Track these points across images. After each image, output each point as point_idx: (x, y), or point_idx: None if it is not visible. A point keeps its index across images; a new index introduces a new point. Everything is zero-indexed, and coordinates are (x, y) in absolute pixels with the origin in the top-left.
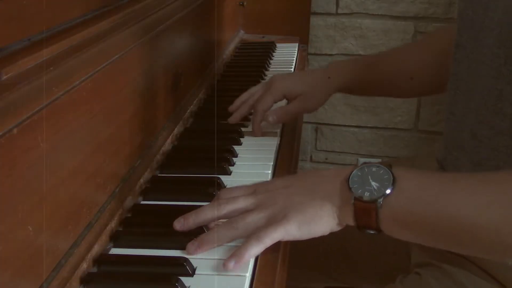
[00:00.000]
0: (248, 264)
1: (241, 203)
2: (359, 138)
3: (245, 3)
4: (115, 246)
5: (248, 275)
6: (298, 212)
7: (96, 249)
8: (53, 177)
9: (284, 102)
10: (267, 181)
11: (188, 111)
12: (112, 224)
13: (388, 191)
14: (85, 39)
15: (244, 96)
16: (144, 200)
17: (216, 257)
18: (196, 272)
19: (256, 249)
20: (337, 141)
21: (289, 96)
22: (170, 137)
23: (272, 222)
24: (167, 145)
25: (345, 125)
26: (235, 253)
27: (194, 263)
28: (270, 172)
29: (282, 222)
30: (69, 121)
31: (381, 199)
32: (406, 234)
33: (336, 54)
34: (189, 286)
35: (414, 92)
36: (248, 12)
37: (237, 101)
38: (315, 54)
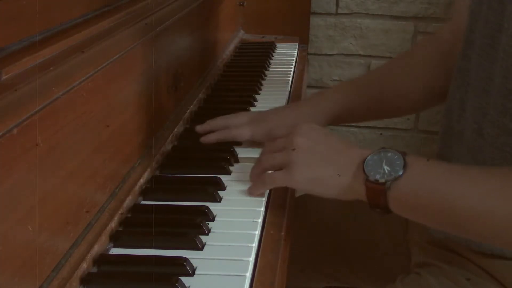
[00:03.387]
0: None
1: (278, 144)
2: (359, 138)
3: (245, 3)
4: (115, 246)
5: (248, 275)
6: (311, 169)
7: (96, 249)
8: (53, 177)
9: None
10: (308, 125)
11: (188, 111)
12: (112, 224)
13: (397, 175)
14: (85, 39)
15: (218, 122)
16: (144, 200)
17: (216, 257)
18: (196, 272)
19: (261, 188)
20: None
21: (270, 138)
22: (170, 137)
23: (285, 167)
24: (167, 145)
25: (345, 125)
26: (248, 189)
27: (194, 263)
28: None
29: (292, 171)
30: (69, 121)
31: (389, 182)
32: (412, 215)
33: (336, 54)
34: (189, 286)
35: (416, 107)
36: (248, 12)
37: (208, 125)
38: (315, 54)
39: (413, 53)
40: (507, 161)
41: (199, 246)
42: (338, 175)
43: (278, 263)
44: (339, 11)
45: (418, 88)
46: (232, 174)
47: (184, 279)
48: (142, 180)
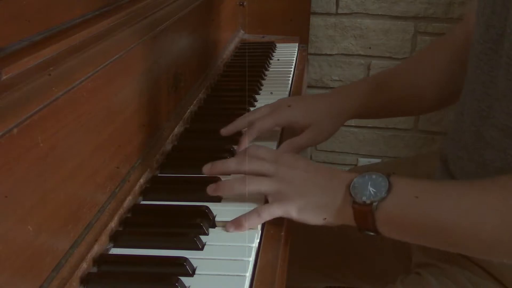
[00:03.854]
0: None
1: (263, 168)
2: (359, 138)
3: (245, 3)
4: (115, 246)
5: (248, 275)
6: (304, 199)
7: (96, 249)
8: (53, 177)
9: None
10: (292, 155)
11: (188, 111)
12: (112, 224)
13: (383, 196)
14: (85, 39)
15: (244, 119)
16: (144, 200)
17: (216, 257)
18: (196, 272)
19: (255, 221)
20: (337, 141)
21: (295, 126)
22: (170, 137)
23: (277, 198)
24: (167, 145)
25: (345, 125)
26: (237, 220)
27: (194, 263)
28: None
29: (286, 202)
30: (69, 121)
31: (376, 203)
32: (401, 235)
33: (336, 54)
34: (189, 286)
35: (428, 107)
36: (248, 12)
37: (234, 125)
38: (315, 54)
39: (428, 52)
40: (508, 163)
41: (199, 246)
42: (330, 203)
43: (278, 263)
44: (339, 11)
45: (435, 86)
46: (232, 174)
47: (184, 279)
48: (142, 180)
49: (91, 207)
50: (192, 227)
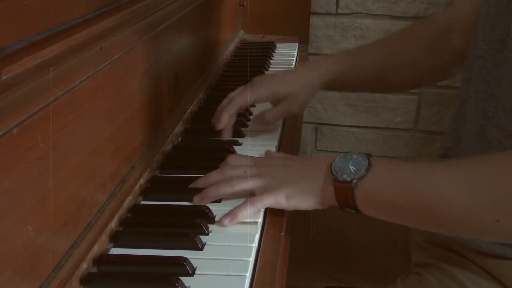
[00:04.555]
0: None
1: (243, 172)
2: (359, 138)
3: (245, 3)
4: (115, 246)
5: (248, 275)
6: (289, 186)
7: (96, 249)
8: (53, 177)
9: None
10: (269, 157)
11: (188, 111)
12: (112, 224)
13: (362, 173)
14: (85, 39)
15: (223, 102)
16: (144, 200)
17: (216, 257)
18: (196, 272)
19: (249, 211)
20: (337, 141)
21: (273, 99)
22: (170, 137)
23: (265, 190)
24: (167, 145)
25: (345, 125)
26: (231, 213)
27: (194, 263)
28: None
29: (274, 192)
30: (69, 121)
31: (355, 180)
32: (379, 213)
33: None
34: (189, 286)
35: (405, 85)
36: (248, 12)
37: (217, 111)
38: (315, 54)
39: (410, 32)
40: None
41: (199, 246)
42: (313, 185)
43: (278, 263)
44: (339, 11)
45: (410, 65)
46: None
47: (184, 279)
48: (142, 180)
49: (91, 207)
50: (192, 227)
